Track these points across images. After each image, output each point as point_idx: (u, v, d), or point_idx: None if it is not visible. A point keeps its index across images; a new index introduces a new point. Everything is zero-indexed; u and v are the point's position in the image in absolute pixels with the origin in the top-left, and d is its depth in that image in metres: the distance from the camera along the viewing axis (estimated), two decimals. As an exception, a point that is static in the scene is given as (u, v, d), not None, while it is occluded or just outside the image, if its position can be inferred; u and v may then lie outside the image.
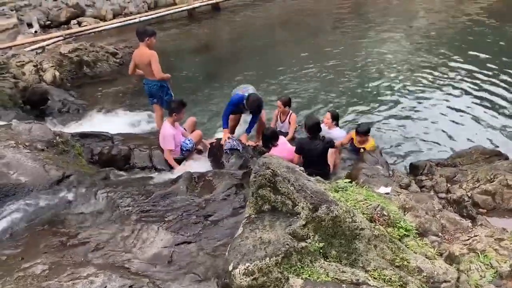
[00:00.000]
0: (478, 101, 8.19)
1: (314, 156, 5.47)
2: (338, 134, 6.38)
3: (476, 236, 3.60)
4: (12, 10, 14.88)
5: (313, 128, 5.50)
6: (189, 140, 5.93)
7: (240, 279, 2.49)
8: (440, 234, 3.78)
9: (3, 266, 3.25)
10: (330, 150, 5.60)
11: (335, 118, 6.47)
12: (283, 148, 5.72)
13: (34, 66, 9.24)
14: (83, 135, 6.22)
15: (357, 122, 7.31)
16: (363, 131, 6.04)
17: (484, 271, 3.03)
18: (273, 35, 13.87)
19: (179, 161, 5.92)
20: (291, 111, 6.84)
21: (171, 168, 5.78)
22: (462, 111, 7.84)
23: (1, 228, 3.82)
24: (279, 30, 14.62)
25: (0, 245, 3.60)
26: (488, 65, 9.72)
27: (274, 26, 15.23)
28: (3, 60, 9.23)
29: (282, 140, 5.83)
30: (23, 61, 9.26)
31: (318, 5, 16.69)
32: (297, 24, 14.83)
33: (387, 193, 4.39)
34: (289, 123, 6.82)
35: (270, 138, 5.73)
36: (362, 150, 6.02)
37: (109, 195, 4.25)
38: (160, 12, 15.67)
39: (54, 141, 5.18)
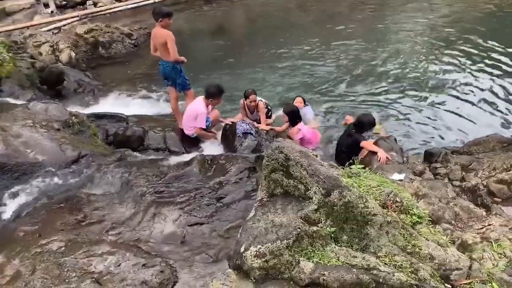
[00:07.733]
0: (496, 88, 7.97)
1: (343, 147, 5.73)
2: (307, 111, 6.93)
3: (490, 225, 3.56)
4: (29, -10, 14.92)
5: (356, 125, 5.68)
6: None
7: (252, 260, 2.52)
8: (453, 222, 3.75)
9: (21, 242, 3.34)
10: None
11: (305, 101, 7.15)
12: (310, 130, 6.14)
13: (50, 46, 9.30)
14: (99, 116, 6.29)
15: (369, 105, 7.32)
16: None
17: (497, 260, 3.01)
18: (289, 18, 13.66)
19: (194, 141, 5.96)
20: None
21: (185, 149, 5.83)
22: (480, 98, 7.65)
23: (19, 205, 3.93)
24: (295, 13, 14.38)
25: (18, 221, 3.70)
26: (509, 51, 9.44)
27: (290, 9, 14.98)
28: (21, 40, 9.34)
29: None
30: (40, 41, 9.33)
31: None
32: (313, 7, 14.58)
33: (401, 180, 4.35)
34: None
35: (296, 113, 6.11)
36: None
37: (124, 176, 4.32)
38: (175, -7, 15.53)
39: (70, 121, 5.26)
